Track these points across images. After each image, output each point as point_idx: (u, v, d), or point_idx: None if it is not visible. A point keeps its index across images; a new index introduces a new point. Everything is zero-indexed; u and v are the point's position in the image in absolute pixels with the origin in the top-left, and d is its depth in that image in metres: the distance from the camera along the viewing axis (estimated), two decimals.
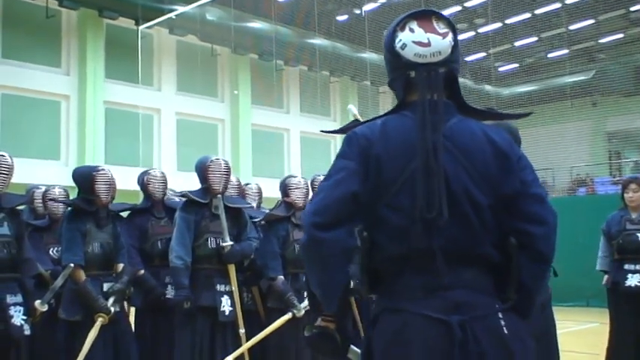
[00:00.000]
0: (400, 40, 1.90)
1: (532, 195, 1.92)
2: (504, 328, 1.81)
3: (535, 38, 21.52)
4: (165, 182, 5.24)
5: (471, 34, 21.23)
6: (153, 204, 5.17)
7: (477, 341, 1.76)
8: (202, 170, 4.72)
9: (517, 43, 21.76)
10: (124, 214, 5.10)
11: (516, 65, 23.23)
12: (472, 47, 21.96)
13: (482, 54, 22.22)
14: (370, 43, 18.23)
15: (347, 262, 1.85)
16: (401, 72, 1.92)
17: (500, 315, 1.83)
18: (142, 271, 4.88)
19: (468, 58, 23.00)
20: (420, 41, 1.87)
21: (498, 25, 20.21)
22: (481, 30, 20.73)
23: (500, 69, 23.21)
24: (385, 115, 1.96)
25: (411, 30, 1.89)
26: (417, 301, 1.80)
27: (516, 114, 2.27)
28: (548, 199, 2.00)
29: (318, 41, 18.99)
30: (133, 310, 5.13)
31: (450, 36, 1.90)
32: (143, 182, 5.23)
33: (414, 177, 1.81)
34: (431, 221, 1.79)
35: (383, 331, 1.84)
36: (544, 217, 1.93)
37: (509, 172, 1.89)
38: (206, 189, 4.70)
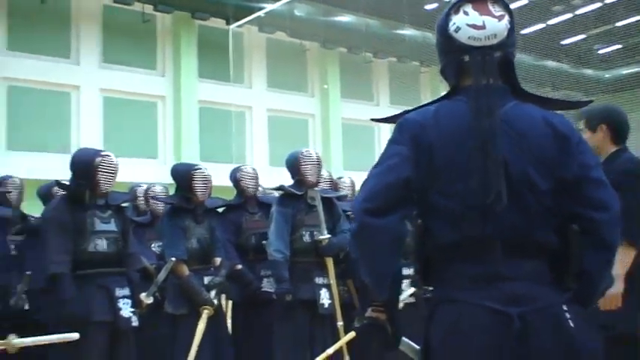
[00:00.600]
0: (454, 23, 1.86)
1: (594, 180, 1.85)
2: (570, 321, 1.74)
3: (639, 17, 20.45)
4: (256, 178, 5.33)
5: (568, 16, 20.43)
6: (246, 199, 5.26)
7: (537, 335, 1.69)
8: (294, 163, 4.76)
9: (619, 23, 20.75)
10: (219, 210, 5.22)
11: (619, 46, 22.17)
12: (569, 30, 21.13)
13: (581, 36, 21.35)
14: None
15: (398, 249, 1.81)
16: (454, 56, 1.88)
17: (564, 307, 1.76)
18: (240, 266, 4.99)
19: (565, 42, 22.16)
20: (475, 24, 1.83)
21: (598, 5, 19.35)
22: (579, 12, 19.90)
23: (601, 51, 22.22)
24: (437, 100, 1.93)
25: (465, 13, 1.85)
26: (473, 291, 1.74)
27: (577, 101, 2.19)
28: None
29: (407, 32, 18.78)
30: (230, 303, 5.26)
31: (507, 19, 1.85)
32: (235, 178, 5.34)
33: (469, 162, 1.76)
34: (487, 207, 1.73)
35: (440, 322, 1.79)
36: (608, 202, 1.86)
37: (569, 155, 1.83)
38: (299, 182, 4.73)
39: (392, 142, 1.87)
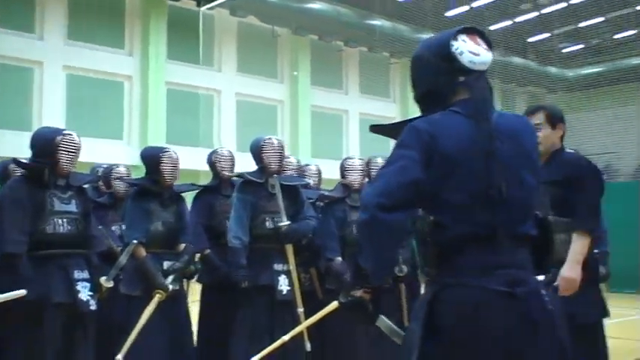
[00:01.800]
0: (457, 47, 2.15)
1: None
2: (548, 303, 2.06)
3: (601, 18, 20.81)
4: (232, 161, 5.35)
5: (535, 14, 20.68)
6: (220, 182, 5.26)
7: (535, 312, 2.00)
8: (257, 150, 4.78)
9: (582, 24, 21.09)
10: (190, 194, 5.20)
11: (582, 46, 22.54)
12: (535, 28, 21.39)
13: (546, 35, 21.64)
14: (431, 24, 17.96)
15: (401, 242, 2.12)
16: (451, 77, 2.16)
17: (543, 291, 2.09)
18: (208, 250, 4.98)
19: (531, 39, 22.44)
20: (474, 51, 2.16)
21: (563, 4, 19.63)
22: (545, 10, 20.16)
23: (565, 50, 22.56)
24: (434, 114, 2.16)
25: (464, 41, 2.16)
26: (480, 277, 1.99)
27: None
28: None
29: (378, 22, 18.82)
30: (199, 286, 5.26)
31: (490, 52, 2.20)
32: (211, 161, 5.36)
33: (476, 163, 2.03)
34: (492, 200, 2.01)
35: (449, 306, 2.00)
36: None
37: (538, 159, 2.23)
38: (262, 169, 4.75)
39: (402, 146, 2.09)
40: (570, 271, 3.24)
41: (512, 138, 2.11)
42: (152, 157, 4.71)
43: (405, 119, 2.19)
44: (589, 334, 3.36)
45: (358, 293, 2.16)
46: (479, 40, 2.19)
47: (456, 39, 2.16)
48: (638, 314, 9.04)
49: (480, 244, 2.01)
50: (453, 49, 2.15)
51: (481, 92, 2.13)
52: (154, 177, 4.67)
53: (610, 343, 3.54)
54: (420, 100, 2.25)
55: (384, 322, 2.26)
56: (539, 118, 3.52)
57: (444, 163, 2.03)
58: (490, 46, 2.20)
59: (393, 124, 2.26)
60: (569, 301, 3.25)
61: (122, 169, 5.41)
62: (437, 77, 2.18)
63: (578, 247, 3.27)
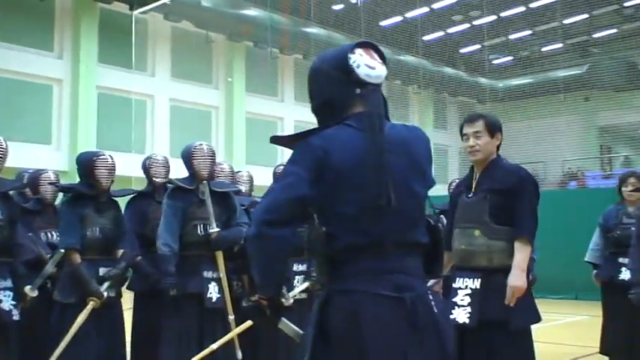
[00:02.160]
0: (355, 60, 2.22)
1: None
2: (434, 307, 2.14)
3: (530, 31, 21.53)
4: (167, 167, 5.29)
5: (466, 26, 21.22)
6: (154, 188, 5.18)
7: (421, 314, 2.09)
8: (187, 157, 4.74)
9: (512, 36, 21.76)
10: (124, 199, 5.10)
11: (511, 58, 23.25)
12: (467, 39, 21.95)
13: (477, 46, 22.22)
14: (365, 33, 18.20)
15: (287, 256, 2.21)
16: (347, 89, 2.22)
17: (430, 296, 2.17)
18: (139, 257, 4.89)
19: (463, 50, 23.01)
20: (369, 65, 2.23)
21: (493, 17, 20.21)
22: (476, 22, 20.72)
23: (495, 61, 23.22)
24: (328, 126, 2.22)
25: (360, 55, 2.23)
26: (368, 283, 2.08)
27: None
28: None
29: (313, 30, 18.94)
30: (132, 294, 5.16)
31: (384, 66, 2.28)
32: (145, 166, 5.29)
33: (367, 174, 2.10)
34: (381, 209, 2.08)
35: (337, 310, 2.09)
36: None
37: (429, 166, 2.28)
38: (192, 175, 4.71)
39: (292, 161, 2.18)
40: (517, 279, 3.32)
41: (403, 149, 2.19)
42: (87, 162, 4.61)
43: (302, 131, 2.24)
44: (522, 340, 3.44)
45: (255, 299, 2.24)
46: (374, 54, 2.27)
47: (353, 52, 2.23)
48: (563, 319, 9.40)
49: (368, 252, 2.10)
50: (351, 62, 2.21)
51: (375, 105, 2.20)
52: (89, 181, 4.57)
53: (536, 347, 3.63)
54: (317, 111, 2.31)
55: (286, 324, 2.34)
56: (479, 126, 3.60)
57: (336, 177, 2.10)
58: (384, 60, 2.28)
59: (291, 135, 2.30)
60: (503, 308, 3.33)
61: (51, 175, 5.26)
62: (334, 89, 2.25)
63: (522, 255, 3.36)
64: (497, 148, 3.65)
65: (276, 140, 2.35)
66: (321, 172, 2.11)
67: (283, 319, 2.35)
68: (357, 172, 2.11)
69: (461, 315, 3.45)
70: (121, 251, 4.64)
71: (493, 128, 3.59)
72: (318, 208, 2.16)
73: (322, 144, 2.14)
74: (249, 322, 4.33)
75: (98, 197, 4.58)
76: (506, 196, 3.45)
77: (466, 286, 3.49)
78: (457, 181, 5.12)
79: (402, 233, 2.14)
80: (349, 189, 2.11)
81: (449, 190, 6.08)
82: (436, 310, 2.14)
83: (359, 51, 2.24)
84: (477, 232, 3.50)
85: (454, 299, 3.51)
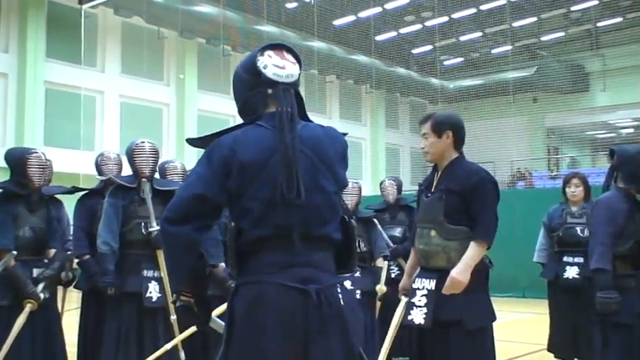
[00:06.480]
0: (262, 62, 2.31)
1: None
2: (341, 300, 2.22)
3: (480, 33, 21.88)
4: (119, 164, 5.21)
5: (418, 26, 21.43)
6: (105, 186, 5.09)
7: (324, 306, 2.15)
8: (129, 154, 4.68)
9: (462, 38, 22.08)
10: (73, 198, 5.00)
11: (461, 59, 23.58)
12: (419, 40, 22.17)
13: (429, 47, 22.47)
14: (318, 32, 18.23)
15: (192, 251, 2.24)
16: (260, 90, 2.32)
17: (338, 289, 2.24)
18: (87, 256, 4.80)
19: (415, 51, 23.24)
20: (278, 65, 2.32)
21: (445, 19, 20.47)
22: (428, 23, 20.94)
23: (446, 62, 23.51)
24: (240, 126, 2.32)
25: (269, 56, 2.33)
26: (274, 275, 2.16)
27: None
28: None
29: (266, 28, 18.88)
30: (80, 293, 5.06)
31: (297, 65, 2.37)
32: (97, 163, 5.21)
33: (275, 171, 2.19)
34: (290, 203, 2.17)
35: (242, 298, 2.19)
36: None
37: (342, 165, 2.37)
38: (135, 173, 4.65)
39: (199, 162, 2.28)
40: (460, 274, 3.28)
41: (313, 147, 2.28)
42: (18, 159, 4.46)
43: (214, 132, 2.32)
44: (479, 339, 3.44)
45: (182, 298, 2.30)
46: (286, 54, 2.36)
47: (262, 54, 2.33)
48: (511, 317, 9.56)
49: (275, 245, 2.19)
50: (259, 63, 2.31)
51: (286, 104, 2.28)
52: (20, 179, 4.43)
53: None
54: (240, 113, 2.41)
55: (216, 322, 2.39)
56: (426, 128, 3.56)
57: (243, 174, 2.20)
58: (298, 60, 2.37)
59: (206, 136, 2.36)
60: (458, 308, 3.32)
61: None
62: (248, 91, 2.35)
63: (473, 253, 3.32)
64: (457, 146, 3.58)
65: (193, 142, 2.43)
66: (229, 169, 2.20)
67: (214, 317, 2.39)
68: (264, 168, 2.20)
69: (418, 316, 3.44)
70: (53, 251, 4.53)
71: (440, 127, 3.52)
72: (228, 205, 2.25)
73: (231, 143, 2.23)
74: (193, 328, 4.26)
75: (30, 195, 4.47)
76: (464, 197, 3.41)
77: (423, 287, 3.49)
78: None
79: (309, 228, 2.21)
80: (257, 185, 2.19)
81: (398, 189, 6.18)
82: (343, 304, 2.22)
83: (268, 52, 2.33)
84: (432, 233, 3.49)
85: (412, 300, 3.50)
